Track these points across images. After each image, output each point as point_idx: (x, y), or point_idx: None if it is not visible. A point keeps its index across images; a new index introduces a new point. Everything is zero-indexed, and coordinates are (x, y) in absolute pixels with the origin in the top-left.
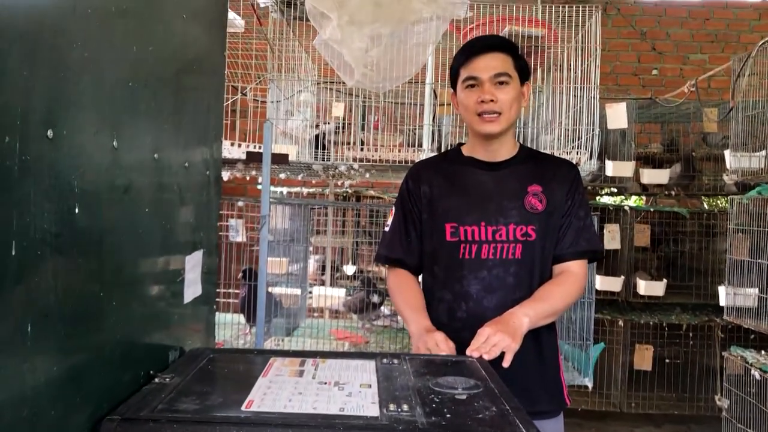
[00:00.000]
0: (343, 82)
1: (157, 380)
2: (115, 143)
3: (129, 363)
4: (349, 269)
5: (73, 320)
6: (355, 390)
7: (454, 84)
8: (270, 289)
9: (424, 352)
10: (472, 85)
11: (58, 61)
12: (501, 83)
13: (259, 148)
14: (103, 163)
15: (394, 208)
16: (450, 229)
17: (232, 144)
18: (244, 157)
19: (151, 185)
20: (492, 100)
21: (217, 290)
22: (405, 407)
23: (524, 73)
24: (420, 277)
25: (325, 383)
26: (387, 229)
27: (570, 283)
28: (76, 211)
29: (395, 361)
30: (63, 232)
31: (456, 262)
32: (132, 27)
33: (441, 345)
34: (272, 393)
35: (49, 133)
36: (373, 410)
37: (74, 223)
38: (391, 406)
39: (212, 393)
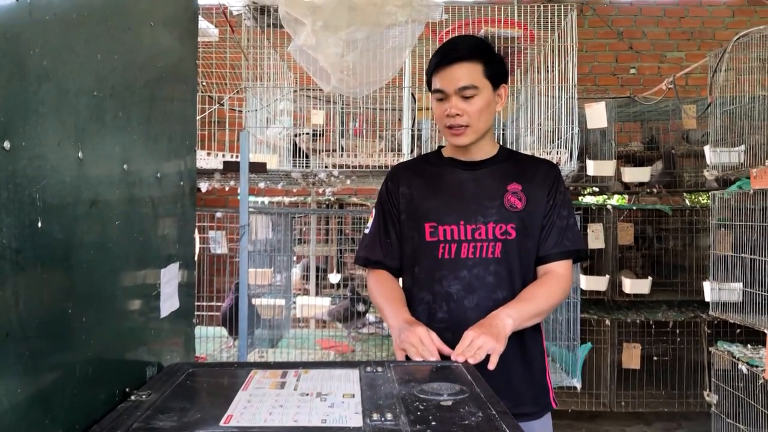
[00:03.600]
0: (322, 89)
1: (133, 397)
2: (80, 154)
3: (103, 381)
4: (334, 278)
5: (39, 339)
6: (338, 400)
7: (430, 88)
8: (253, 301)
9: (406, 347)
10: (440, 99)
11: (13, 69)
12: (467, 97)
13: (238, 157)
14: (67, 174)
15: (374, 210)
16: (429, 228)
17: (209, 154)
18: (221, 167)
19: (122, 197)
20: (458, 114)
21: (200, 303)
22: (389, 416)
23: (499, 76)
24: (400, 280)
25: (307, 394)
26: (367, 231)
27: (555, 283)
28: (39, 225)
29: (379, 369)
30: (24, 247)
31: (435, 262)
32: (95, 34)
33: (424, 339)
34: (252, 407)
35: (6, 144)
36: (356, 420)
37: (37, 237)
38: (375, 416)
39: (190, 409)
